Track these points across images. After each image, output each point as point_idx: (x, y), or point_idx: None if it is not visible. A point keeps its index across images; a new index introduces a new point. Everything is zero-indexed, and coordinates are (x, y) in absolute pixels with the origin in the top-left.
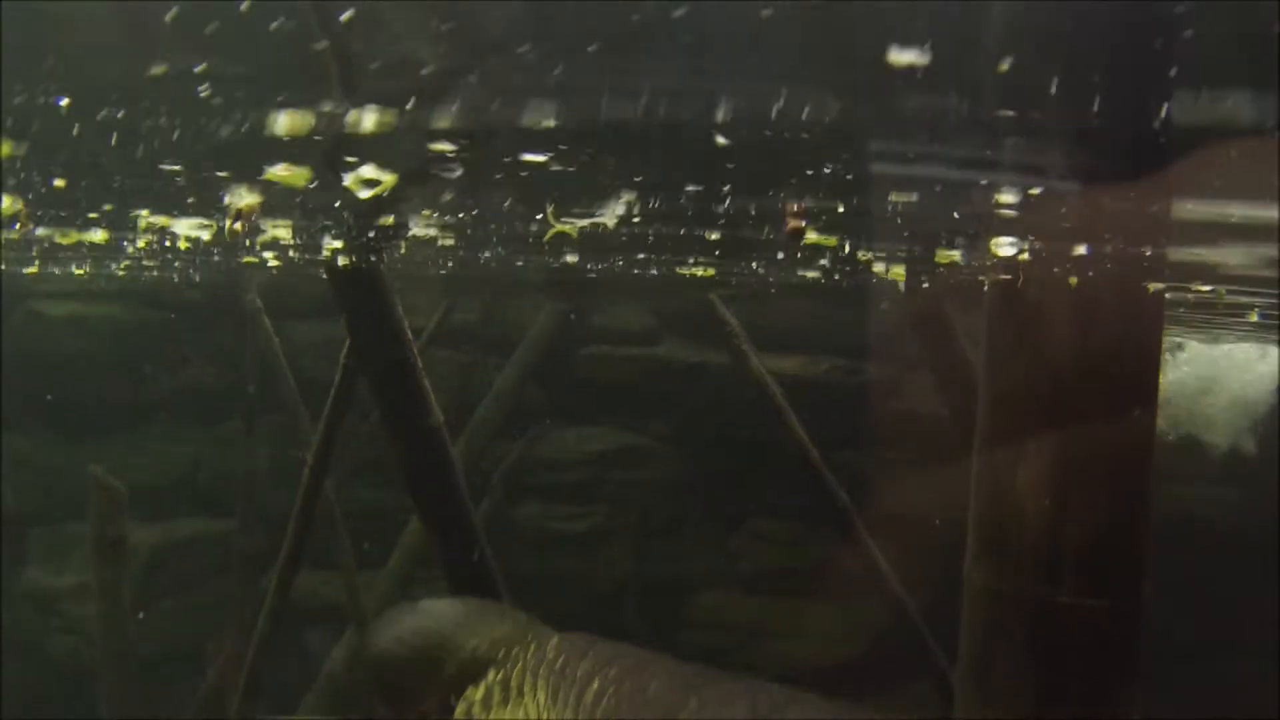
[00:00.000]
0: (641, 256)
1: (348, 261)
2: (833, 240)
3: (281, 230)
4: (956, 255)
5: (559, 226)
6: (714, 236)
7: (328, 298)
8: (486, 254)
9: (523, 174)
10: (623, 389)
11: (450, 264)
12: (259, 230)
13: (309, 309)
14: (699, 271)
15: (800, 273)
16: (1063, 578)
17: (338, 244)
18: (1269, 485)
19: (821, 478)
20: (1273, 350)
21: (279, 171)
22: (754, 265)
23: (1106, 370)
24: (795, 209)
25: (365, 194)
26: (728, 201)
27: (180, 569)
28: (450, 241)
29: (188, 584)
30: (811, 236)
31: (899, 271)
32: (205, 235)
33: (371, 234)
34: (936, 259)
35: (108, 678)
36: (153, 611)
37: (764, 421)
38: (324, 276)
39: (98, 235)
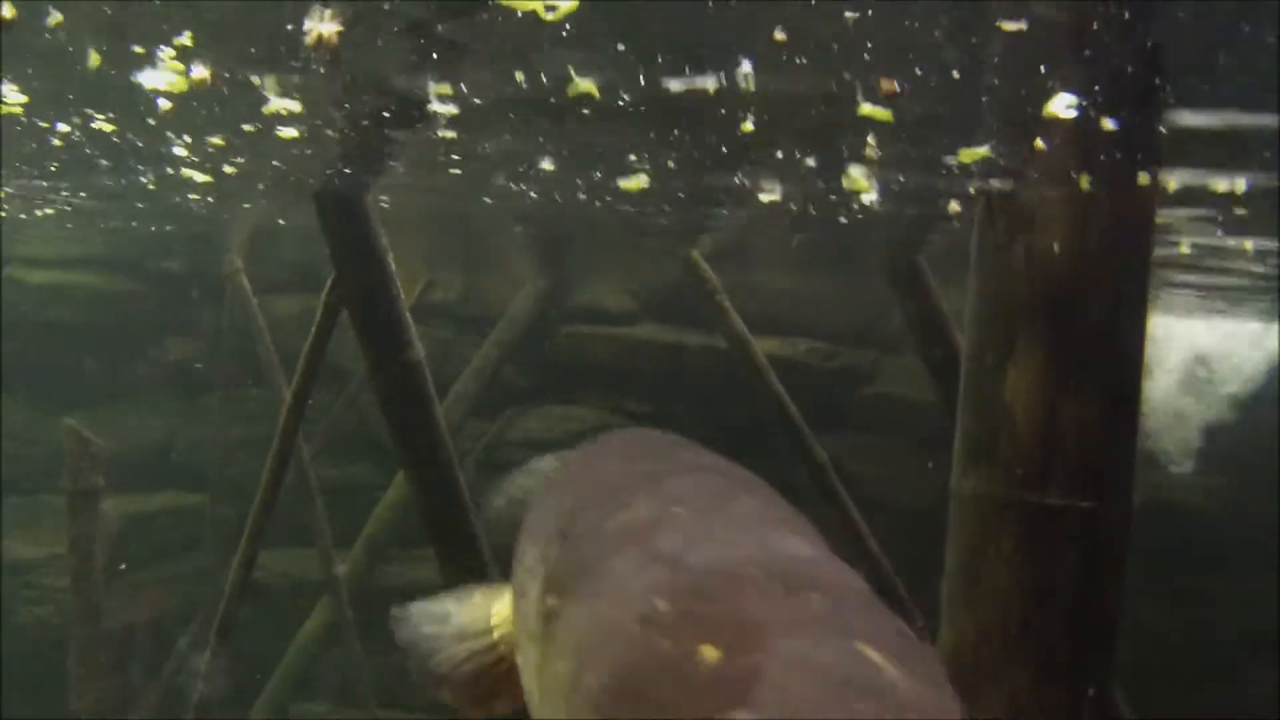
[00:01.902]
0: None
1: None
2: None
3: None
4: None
5: (581, 85)
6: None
7: (305, 268)
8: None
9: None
10: (601, 368)
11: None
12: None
13: (287, 281)
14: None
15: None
16: (1052, 481)
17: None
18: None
19: (800, 435)
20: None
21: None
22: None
23: (1098, 271)
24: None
25: None
26: None
27: (153, 541)
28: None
29: (161, 556)
30: None
31: (862, 183)
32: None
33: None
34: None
35: (78, 636)
36: (125, 583)
37: (742, 400)
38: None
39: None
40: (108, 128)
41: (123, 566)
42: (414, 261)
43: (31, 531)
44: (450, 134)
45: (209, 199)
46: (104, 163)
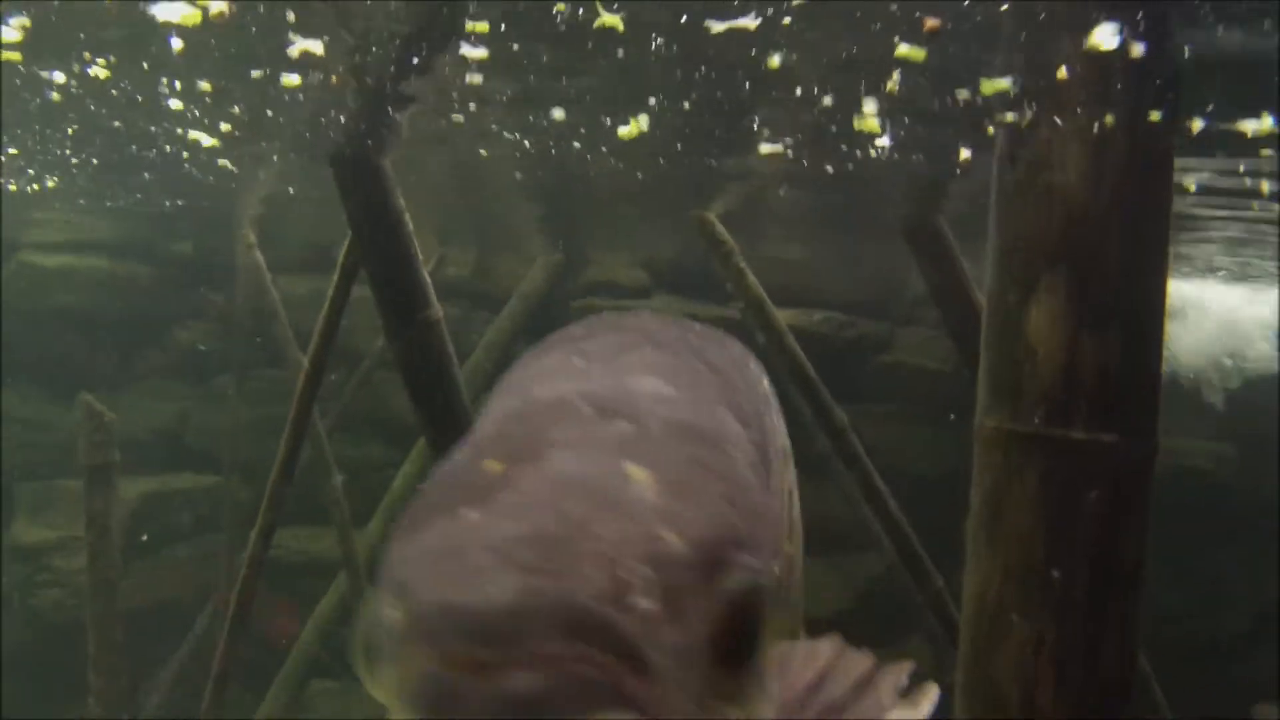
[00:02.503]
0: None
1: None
2: None
3: None
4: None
5: (605, 17)
6: None
7: (317, 248)
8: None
9: None
10: None
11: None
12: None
13: (299, 261)
14: None
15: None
16: (1076, 416)
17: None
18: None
19: (818, 397)
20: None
21: None
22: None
23: (1119, 206)
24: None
25: None
26: None
27: (169, 524)
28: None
29: (176, 539)
30: None
31: (873, 124)
32: None
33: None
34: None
35: (94, 613)
36: (140, 565)
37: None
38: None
39: None
40: (103, 74)
41: (144, 538)
42: (426, 237)
43: (45, 516)
44: (477, 78)
45: (222, 162)
46: (115, 124)
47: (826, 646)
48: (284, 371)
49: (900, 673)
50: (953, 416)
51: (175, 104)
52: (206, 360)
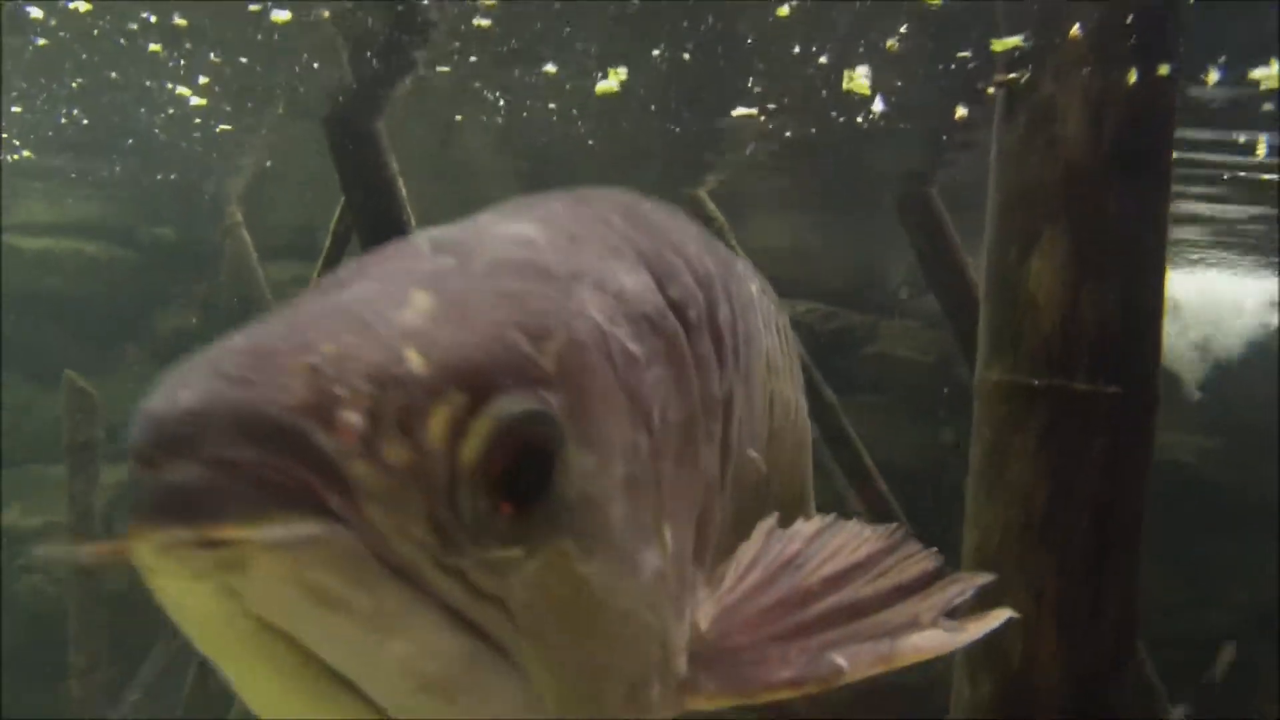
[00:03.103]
0: None
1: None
2: None
3: None
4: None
5: None
6: None
7: (301, 232)
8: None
9: None
10: None
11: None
12: None
13: (283, 247)
14: None
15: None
16: (1077, 367)
17: None
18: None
19: (808, 374)
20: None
21: None
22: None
23: (1119, 159)
24: None
25: None
26: None
27: None
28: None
29: None
30: None
31: (861, 85)
32: None
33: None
34: None
35: (76, 594)
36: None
37: None
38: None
39: None
40: (84, 7)
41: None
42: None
43: (27, 501)
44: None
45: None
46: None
47: (874, 534)
48: None
49: (961, 586)
50: (941, 414)
51: (155, 47)
52: (189, 345)
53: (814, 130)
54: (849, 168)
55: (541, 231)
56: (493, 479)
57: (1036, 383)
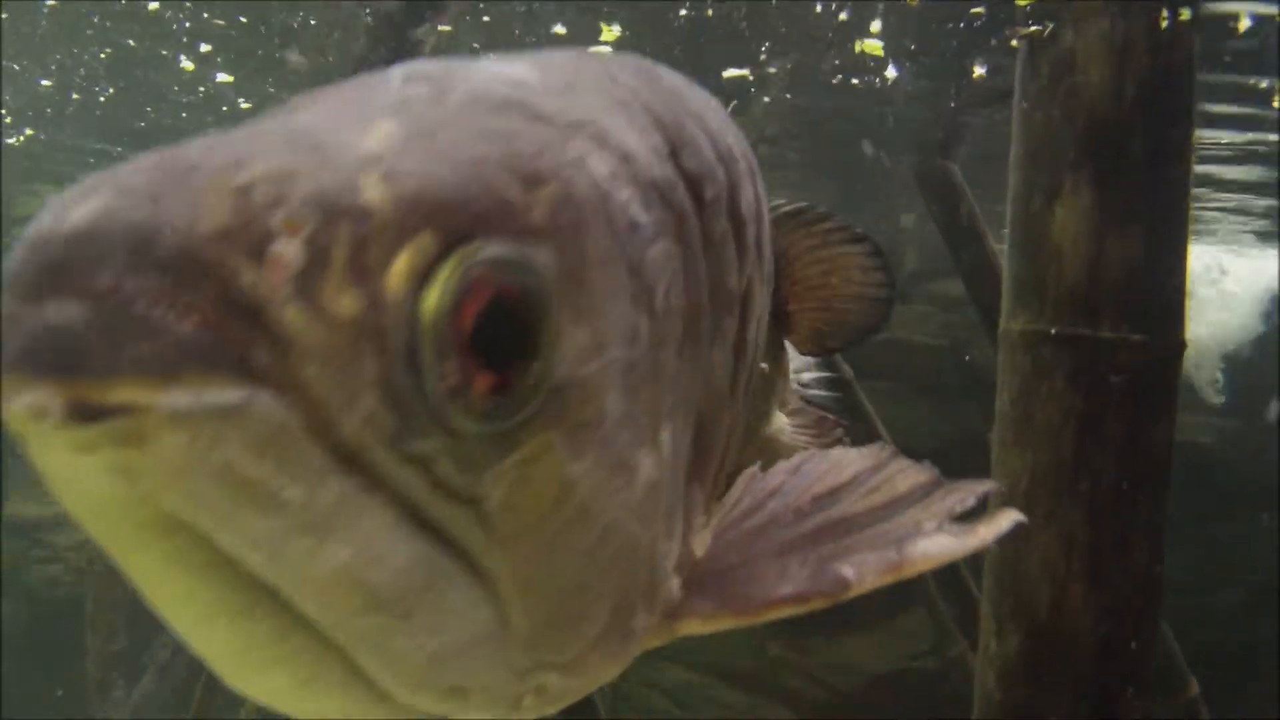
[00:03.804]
0: None
1: None
2: None
3: None
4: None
5: None
6: None
7: None
8: None
9: None
10: None
11: None
12: None
13: None
14: None
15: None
16: (1103, 315)
17: None
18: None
19: None
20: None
21: None
22: None
23: (1142, 107)
24: None
25: None
26: None
27: None
28: None
29: None
30: None
31: (875, 46)
32: None
33: None
34: None
35: (94, 573)
36: None
37: None
38: None
39: None
40: None
41: None
42: None
43: (40, 491)
44: None
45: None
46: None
47: (860, 454)
48: None
49: (963, 493)
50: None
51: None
52: None
53: (826, 102)
54: (864, 136)
55: (536, 75)
56: (463, 338)
57: (1061, 331)
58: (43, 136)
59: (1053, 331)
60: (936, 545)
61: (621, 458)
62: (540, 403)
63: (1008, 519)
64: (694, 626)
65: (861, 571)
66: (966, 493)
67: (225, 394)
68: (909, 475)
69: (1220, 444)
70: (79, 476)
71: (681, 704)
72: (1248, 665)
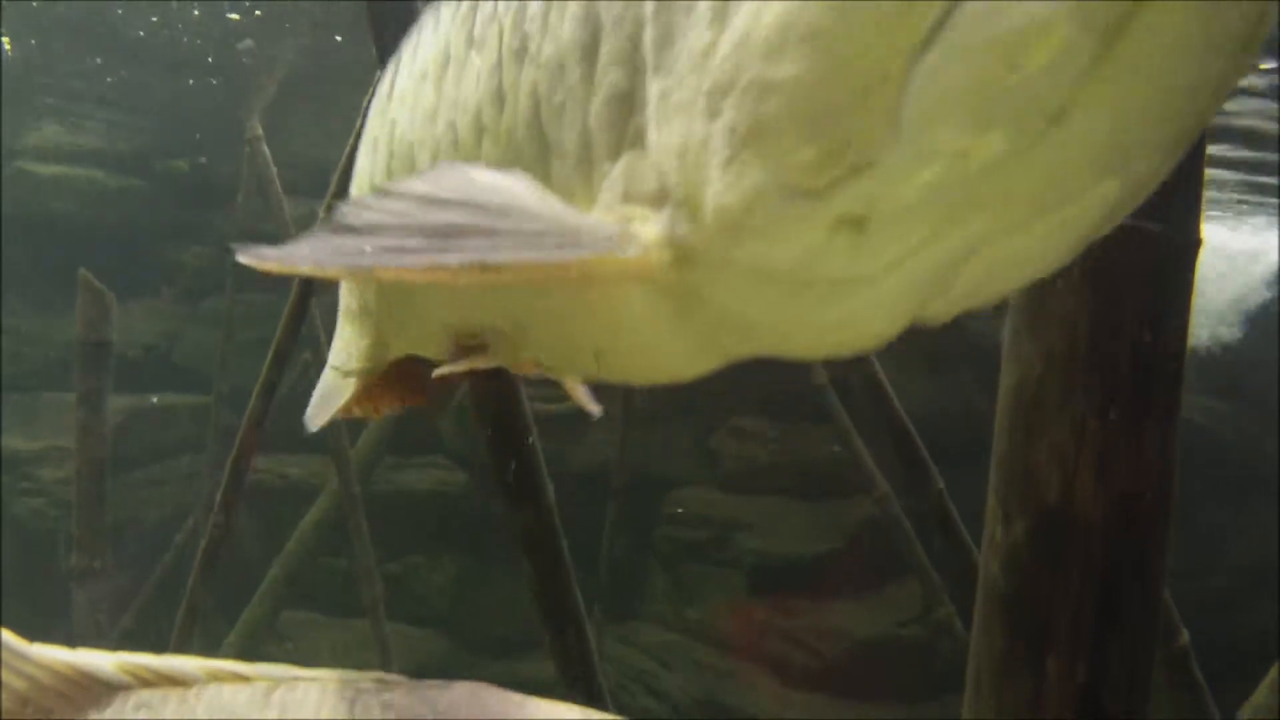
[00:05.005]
0: None
1: None
2: None
3: None
4: None
5: None
6: None
7: (316, 167)
8: None
9: None
10: None
11: None
12: None
13: (296, 182)
14: None
15: None
16: None
17: None
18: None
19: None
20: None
21: None
22: None
23: None
24: None
25: None
26: None
27: (152, 441)
28: None
29: (159, 456)
30: None
31: None
32: None
33: None
34: None
35: (80, 491)
36: (121, 481)
37: None
38: None
39: None
40: None
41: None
42: None
43: (30, 427)
44: None
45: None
46: None
47: None
48: (275, 296)
49: None
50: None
51: None
52: (201, 279)
53: None
54: None
55: None
56: None
57: None
58: None
59: None
60: None
61: None
62: None
63: None
64: None
65: None
66: None
67: None
68: None
69: (1214, 424)
70: None
71: (666, 665)
72: (1241, 651)
